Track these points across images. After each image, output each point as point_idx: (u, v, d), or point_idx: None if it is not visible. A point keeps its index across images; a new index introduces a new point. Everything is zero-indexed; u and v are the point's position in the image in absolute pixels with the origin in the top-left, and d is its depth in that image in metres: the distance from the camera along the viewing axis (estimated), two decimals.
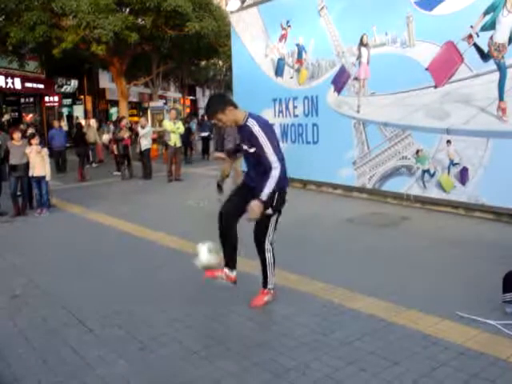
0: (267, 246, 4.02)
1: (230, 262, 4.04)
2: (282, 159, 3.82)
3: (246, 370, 3.11)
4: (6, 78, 20.06)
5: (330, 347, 3.34)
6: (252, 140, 3.74)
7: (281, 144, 4.17)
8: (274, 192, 3.78)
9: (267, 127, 3.82)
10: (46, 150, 8.61)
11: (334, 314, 3.90)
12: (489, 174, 6.83)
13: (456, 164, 7.27)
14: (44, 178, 8.55)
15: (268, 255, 4.03)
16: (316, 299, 4.21)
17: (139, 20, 16.37)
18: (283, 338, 3.51)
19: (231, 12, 12.97)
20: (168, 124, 12.48)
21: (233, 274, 4.05)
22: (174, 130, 12.25)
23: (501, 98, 6.61)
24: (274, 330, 3.68)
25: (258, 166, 3.83)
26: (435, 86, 7.41)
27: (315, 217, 7.50)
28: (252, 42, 11.29)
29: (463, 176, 7.19)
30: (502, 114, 6.62)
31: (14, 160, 8.49)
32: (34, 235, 7.37)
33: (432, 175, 7.65)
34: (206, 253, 3.96)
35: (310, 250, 5.72)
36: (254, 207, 3.67)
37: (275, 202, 3.87)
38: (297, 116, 10.19)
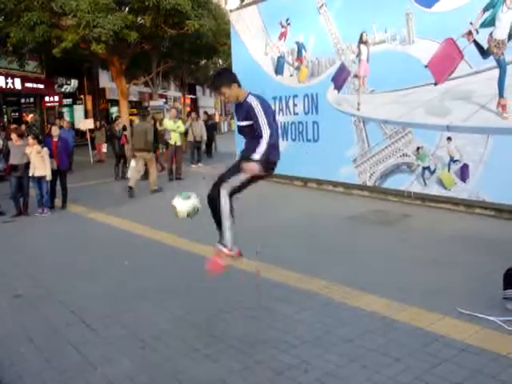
0: (222, 191, 3.84)
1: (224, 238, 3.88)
2: (276, 130, 3.91)
3: (248, 367, 3.13)
4: (6, 78, 20.05)
5: (332, 344, 3.35)
6: (250, 112, 3.85)
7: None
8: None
9: (265, 102, 3.94)
10: (46, 150, 8.61)
11: (335, 312, 3.92)
12: (489, 171, 6.83)
13: (456, 161, 7.28)
14: (44, 177, 8.55)
15: (222, 200, 3.82)
16: (317, 297, 4.22)
17: (139, 19, 16.35)
18: (285, 336, 3.53)
19: (231, 10, 12.97)
20: (168, 123, 12.48)
21: (235, 250, 3.86)
22: (175, 128, 12.26)
23: (501, 94, 6.61)
24: (275, 328, 3.69)
25: (253, 138, 3.85)
26: (435, 83, 7.41)
27: (316, 215, 7.51)
28: (252, 41, 11.28)
29: (463, 173, 7.20)
30: (502, 111, 6.62)
31: (14, 160, 8.50)
32: (35, 235, 7.38)
33: (432, 172, 7.66)
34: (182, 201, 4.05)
35: (312, 248, 5.72)
36: (250, 165, 3.66)
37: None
38: (297, 114, 10.18)
